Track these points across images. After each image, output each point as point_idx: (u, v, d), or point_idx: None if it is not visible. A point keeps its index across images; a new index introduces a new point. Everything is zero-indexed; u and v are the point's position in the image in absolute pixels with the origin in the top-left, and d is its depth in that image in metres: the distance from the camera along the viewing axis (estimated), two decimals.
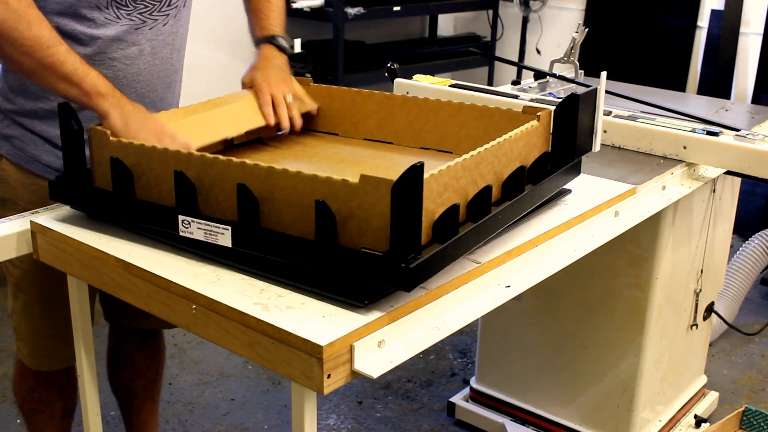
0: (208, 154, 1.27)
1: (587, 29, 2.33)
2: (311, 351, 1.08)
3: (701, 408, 2.49)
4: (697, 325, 2.31)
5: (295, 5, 4.09)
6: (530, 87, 2.35)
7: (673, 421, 2.37)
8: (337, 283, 1.19)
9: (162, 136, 1.43)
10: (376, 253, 1.14)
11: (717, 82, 4.12)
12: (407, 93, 2.13)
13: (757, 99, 4.06)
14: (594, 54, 4.05)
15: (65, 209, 1.49)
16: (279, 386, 2.74)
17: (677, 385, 2.37)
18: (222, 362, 2.86)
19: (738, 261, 3.04)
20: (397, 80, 2.22)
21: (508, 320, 2.34)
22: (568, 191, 1.63)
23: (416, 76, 2.26)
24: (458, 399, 2.55)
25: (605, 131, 1.96)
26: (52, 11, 1.49)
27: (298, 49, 2.07)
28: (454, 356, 2.96)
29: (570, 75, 2.36)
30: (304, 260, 1.20)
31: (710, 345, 2.88)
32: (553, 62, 2.35)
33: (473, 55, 4.56)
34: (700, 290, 2.28)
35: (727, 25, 4.07)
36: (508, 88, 2.31)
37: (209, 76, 2.02)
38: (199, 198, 1.29)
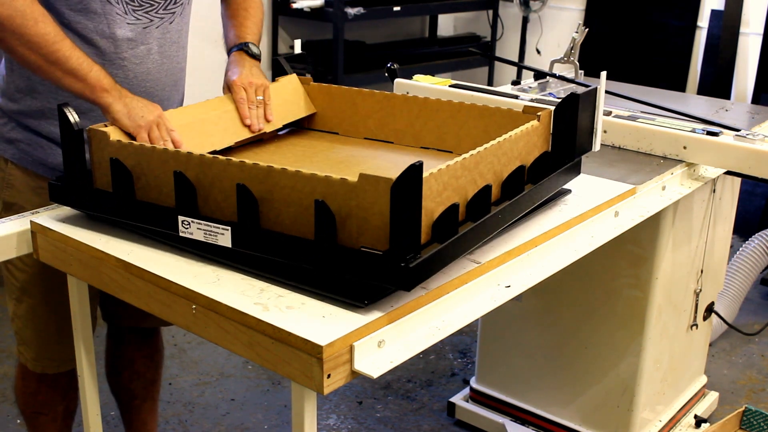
0: (207, 155, 1.27)
1: (587, 29, 2.33)
2: (311, 351, 1.08)
3: (701, 408, 2.49)
4: (697, 325, 2.31)
5: (295, 5, 4.09)
6: (530, 87, 2.34)
7: (673, 421, 2.37)
8: (337, 283, 1.19)
9: (160, 124, 1.46)
10: (376, 252, 1.14)
11: (717, 82, 4.12)
12: (407, 93, 2.13)
13: (757, 99, 4.06)
14: (594, 54, 4.05)
15: (65, 209, 1.49)
16: (279, 386, 2.74)
17: (677, 385, 2.37)
18: (222, 362, 2.86)
19: (738, 261, 3.04)
20: (397, 80, 2.22)
21: (508, 320, 2.34)
22: (568, 191, 1.63)
23: (416, 76, 2.26)
24: (458, 399, 2.55)
25: (605, 131, 1.96)
26: (66, 7, 1.51)
27: (298, 50, 2.07)
28: (454, 356, 2.96)
29: (570, 75, 2.36)
30: (304, 260, 1.20)
31: (710, 345, 2.88)
32: (553, 62, 2.35)
33: (473, 55, 4.56)
34: (700, 290, 2.28)
35: (727, 25, 4.07)
36: (508, 88, 2.31)
37: (209, 76, 2.03)
38: (198, 198, 1.29)
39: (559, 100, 1.55)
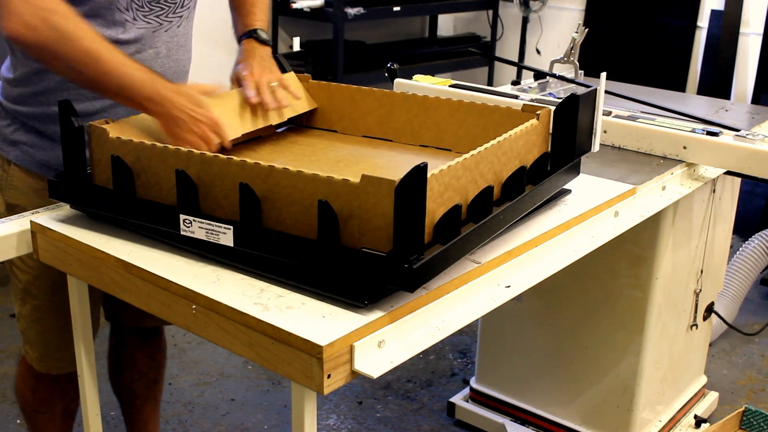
0: (208, 153, 1.27)
1: (587, 29, 2.33)
2: (311, 351, 1.08)
3: (701, 408, 2.49)
4: (697, 325, 2.31)
5: (295, 5, 4.09)
6: (530, 87, 2.34)
7: (673, 421, 2.37)
8: (337, 283, 1.19)
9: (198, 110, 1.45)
10: (379, 253, 1.14)
11: (717, 82, 4.12)
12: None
13: (757, 99, 4.05)
14: (594, 54, 4.05)
15: (65, 209, 1.49)
16: (279, 386, 2.74)
17: (677, 385, 2.37)
18: (222, 362, 2.86)
19: (738, 261, 3.04)
20: (397, 80, 2.22)
21: (508, 320, 2.34)
22: (568, 191, 1.63)
23: (416, 77, 2.26)
24: (458, 399, 2.55)
25: (605, 131, 1.96)
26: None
27: (296, 47, 2.07)
28: (454, 356, 2.96)
29: (570, 75, 2.36)
30: (306, 260, 1.20)
31: (710, 345, 2.88)
32: (553, 62, 2.35)
33: (473, 55, 4.56)
34: (700, 290, 2.28)
35: (727, 25, 4.07)
36: (508, 89, 2.31)
37: (209, 76, 2.04)
38: (200, 197, 1.29)
39: (559, 100, 1.55)
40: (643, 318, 2.08)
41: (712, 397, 2.57)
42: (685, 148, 1.88)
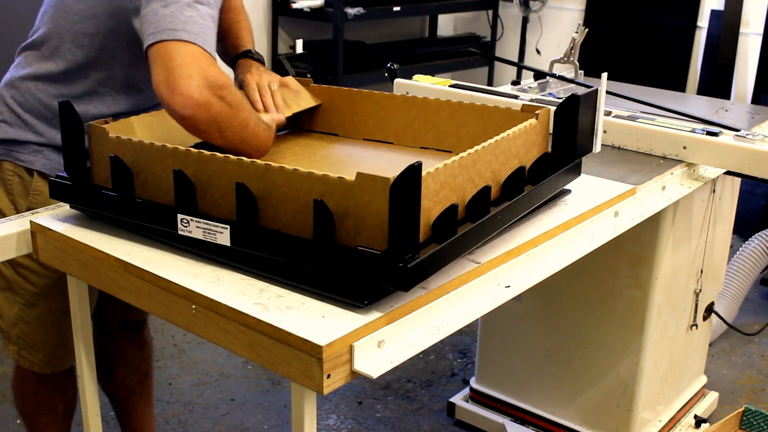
0: (205, 152, 1.27)
1: (587, 29, 2.33)
2: (311, 351, 1.08)
3: (701, 408, 2.49)
4: (697, 325, 2.31)
5: (295, 5, 4.09)
6: (530, 87, 2.34)
7: (673, 421, 2.37)
8: (336, 283, 1.19)
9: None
10: (374, 252, 1.14)
11: (717, 82, 4.12)
12: (407, 93, 2.13)
13: (757, 99, 4.06)
14: (594, 54, 4.05)
15: (65, 209, 1.49)
16: (279, 386, 2.74)
17: (677, 385, 2.37)
18: (222, 362, 2.86)
19: (738, 261, 3.04)
20: (397, 80, 2.22)
21: (508, 320, 2.34)
22: (568, 191, 1.63)
23: (416, 76, 2.26)
24: (458, 399, 2.55)
25: (605, 131, 1.95)
26: (127, 61, 1.56)
27: (299, 49, 2.07)
28: (454, 356, 2.96)
29: (570, 75, 2.36)
30: (303, 259, 1.20)
31: (710, 345, 2.88)
32: (553, 62, 2.35)
33: (473, 55, 4.56)
34: (700, 290, 2.28)
35: (727, 25, 4.07)
36: (508, 89, 2.31)
37: None
38: (197, 196, 1.29)
39: (559, 101, 1.55)
40: (643, 318, 2.08)
41: (712, 397, 2.57)
42: (685, 148, 1.88)
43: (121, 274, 1.33)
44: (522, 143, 1.44)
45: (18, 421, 2.50)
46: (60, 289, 1.66)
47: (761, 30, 4.04)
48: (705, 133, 1.87)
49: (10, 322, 1.74)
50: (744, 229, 3.68)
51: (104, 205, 1.40)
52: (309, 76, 1.83)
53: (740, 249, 3.08)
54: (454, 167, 1.23)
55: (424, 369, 2.86)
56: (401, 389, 2.74)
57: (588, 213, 1.57)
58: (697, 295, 2.28)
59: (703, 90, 4.21)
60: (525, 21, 4.73)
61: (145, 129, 1.50)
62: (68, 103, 1.38)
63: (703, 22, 4.26)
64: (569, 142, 1.53)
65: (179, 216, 1.30)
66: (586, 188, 1.66)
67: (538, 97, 2.18)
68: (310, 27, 4.31)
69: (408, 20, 5.01)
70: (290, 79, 1.75)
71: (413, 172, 1.09)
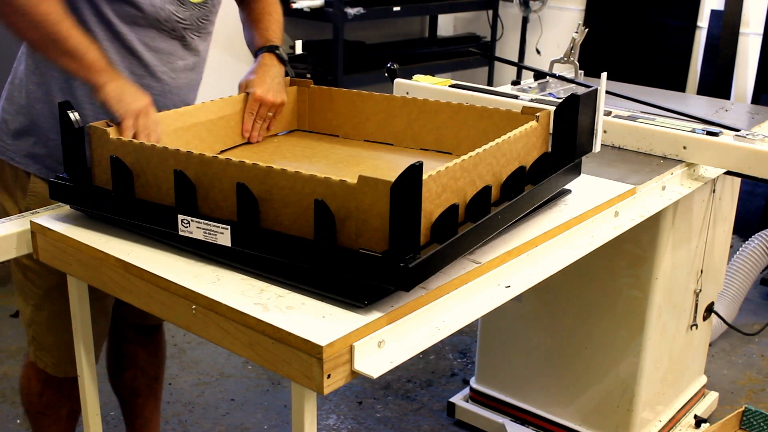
0: (207, 154, 1.27)
1: (587, 29, 2.33)
2: (311, 351, 1.08)
3: (701, 408, 2.49)
4: (697, 325, 2.31)
5: (295, 5, 4.09)
6: (530, 87, 2.34)
7: (673, 421, 2.37)
8: (336, 283, 1.19)
9: (148, 113, 1.46)
10: (375, 253, 1.14)
11: (717, 82, 4.12)
12: (407, 93, 2.13)
13: (757, 99, 4.06)
14: (594, 54, 4.05)
15: (65, 209, 1.49)
16: (279, 386, 2.74)
17: (677, 385, 2.37)
18: (222, 362, 2.86)
19: (738, 261, 3.04)
20: (397, 80, 2.22)
21: (508, 320, 2.34)
22: (568, 191, 1.63)
23: (416, 77, 2.26)
24: (458, 399, 2.55)
25: (605, 131, 1.95)
26: (116, 17, 1.54)
27: (299, 50, 2.07)
28: (454, 356, 2.96)
29: (570, 75, 2.36)
30: (303, 260, 1.20)
31: (710, 345, 2.88)
32: (553, 62, 2.35)
33: (473, 55, 4.56)
34: (700, 290, 2.28)
35: (727, 25, 4.07)
36: (508, 89, 2.31)
37: (209, 76, 2.03)
38: (198, 197, 1.29)
39: (559, 101, 1.55)
40: (643, 318, 2.08)
41: (712, 397, 2.57)
42: (685, 148, 1.88)
43: (121, 274, 1.33)
44: (522, 145, 1.44)
45: (18, 420, 2.50)
46: (62, 291, 1.66)
47: (761, 30, 4.04)
48: (705, 133, 1.87)
49: (27, 323, 1.76)
50: (744, 229, 3.68)
51: (105, 207, 1.40)
52: (309, 76, 1.84)
53: (740, 249, 3.08)
54: (455, 170, 1.23)
55: (424, 369, 2.86)
56: (401, 389, 2.74)
57: (588, 213, 1.57)
58: (697, 295, 2.28)
59: (703, 90, 4.20)
60: (525, 21, 4.73)
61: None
62: (68, 104, 1.38)
63: (703, 22, 4.26)
64: (569, 141, 1.53)
65: (180, 216, 1.30)
66: (586, 188, 1.66)
67: (538, 97, 2.18)
68: (310, 27, 4.31)
69: (408, 20, 5.01)
70: (290, 90, 1.76)
71: (414, 171, 1.09)
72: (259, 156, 1.62)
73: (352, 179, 1.14)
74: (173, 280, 1.25)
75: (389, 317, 1.16)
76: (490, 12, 4.91)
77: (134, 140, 1.36)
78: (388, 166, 1.57)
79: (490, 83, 4.83)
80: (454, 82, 2.24)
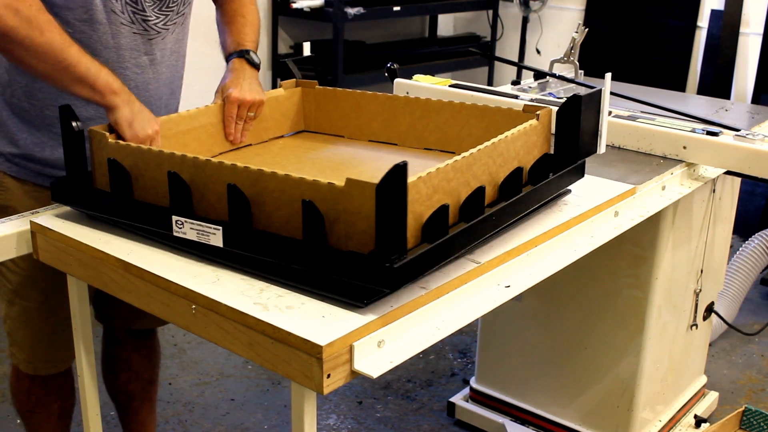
0: (200, 157, 1.28)
1: (587, 29, 2.33)
2: (311, 351, 1.08)
3: (701, 408, 2.49)
4: (697, 325, 2.31)
5: (295, 5, 4.09)
6: (530, 87, 2.35)
7: (673, 421, 2.37)
8: (336, 283, 1.19)
9: (154, 140, 1.47)
10: (362, 252, 1.14)
11: (717, 82, 4.12)
12: (407, 93, 2.13)
13: (757, 99, 4.05)
14: (594, 54, 4.05)
15: (65, 209, 1.49)
16: (279, 386, 2.74)
17: (677, 385, 2.37)
18: (222, 362, 2.86)
19: (738, 261, 3.04)
20: (397, 80, 2.22)
21: (508, 320, 2.34)
22: (568, 191, 1.63)
23: (416, 76, 2.26)
24: (458, 399, 2.55)
25: None
26: (71, 17, 1.50)
27: (307, 52, 2.07)
28: (454, 356, 2.96)
29: (570, 75, 2.36)
30: (293, 260, 1.20)
31: (710, 345, 2.88)
32: (553, 62, 2.35)
33: (473, 55, 4.56)
34: (700, 290, 2.28)
35: (727, 25, 4.07)
36: (508, 88, 2.31)
37: (209, 76, 2.03)
38: (193, 199, 1.30)
39: (560, 101, 1.55)
40: (643, 318, 2.08)
41: (712, 397, 2.57)
42: (685, 148, 1.88)
43: (121, 274, 1.33)
44: (522, 144, 1.44)
45: (18, 420, 2.50)
46: (34, 287, 1.66)
47: (761, 30, 4.04)
48: (705, 133, 1.87)
49: (2, 319, 1.76)
50: (744, 229, 3.68)
51: (105, 209, 1.40)
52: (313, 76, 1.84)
53: (740, 249, 3.08)
54: (447, 171, 1.23)
55: (424, 369, 2.86)
56: (401, 389, 2.74)
57: (588, 213, 1.57)
58: (697, 295, 2.28)
59: (703, 90, 4.20)
60: (525, 21, 4.73)
61: None
62: (68, 107, 1.39)
63: (703, 22, 4.26)
64: (571, 143, 1.52)
65: (174, 218, 1.30)
66: (586, 188, 1.66)
67: (539, 97, 2.18)
68: (310, 27, 4.31)
69: (408, 20, 5.01)
70: (296, 92, 1.75)
71: (398, 172, 1.09)
72: (263, 158, 1.62)
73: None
74: (173, 280, 1.25)
75: (389, 317, 1.16)
76: (490, 12, 4.91)
77: (132, 144, 1.36)
78: (390, 166, 1.57)
79: (490, 83, 4.84)
80: (454, 82, 2.24)
